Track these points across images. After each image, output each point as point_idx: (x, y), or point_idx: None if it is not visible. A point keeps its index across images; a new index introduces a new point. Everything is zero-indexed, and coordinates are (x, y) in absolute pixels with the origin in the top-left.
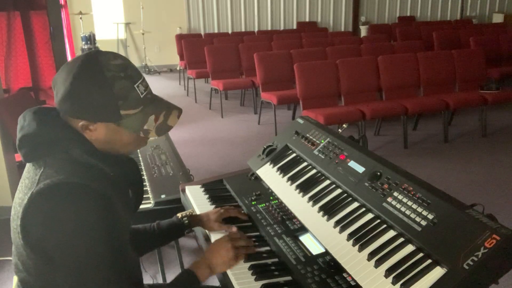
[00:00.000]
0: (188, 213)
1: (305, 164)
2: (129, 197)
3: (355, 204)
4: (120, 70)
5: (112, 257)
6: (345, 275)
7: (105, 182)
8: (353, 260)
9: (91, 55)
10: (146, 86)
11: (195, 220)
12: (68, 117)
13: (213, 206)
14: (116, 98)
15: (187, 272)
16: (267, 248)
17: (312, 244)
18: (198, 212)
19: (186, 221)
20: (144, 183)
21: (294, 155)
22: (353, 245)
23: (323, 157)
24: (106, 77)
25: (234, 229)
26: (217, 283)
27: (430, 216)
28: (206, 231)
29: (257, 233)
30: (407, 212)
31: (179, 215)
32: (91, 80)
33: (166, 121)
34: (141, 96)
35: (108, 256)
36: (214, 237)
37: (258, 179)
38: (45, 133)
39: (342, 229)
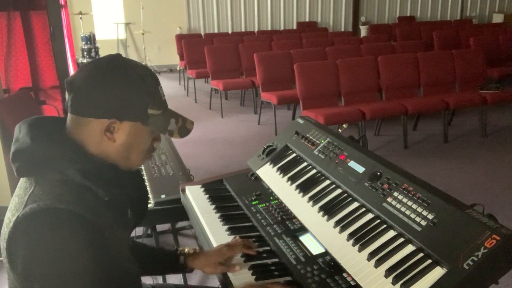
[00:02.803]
0: (188, 251)
1: (305, 164)
2: (127, 217)
3: (355, 204)
4: (145, 69)
5: (102, 285)
6: (345, 275)
7: (97, 207)
8: (353, 260)
9: (115, 56)
10: (163, 90)
11: (194, 261)
12: (81, 121)
13: (213, 206)
14: (145, 96)
15: None
16: (267, 248)
17: (312, 244)
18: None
19: (182, 260)
20: (148, 198)
21: (294, 155)
22: (353, 245)
23: (323, 157)
24: (136, 74)
25: (237, 268)
26: (217, 284)
27: (430, 216)
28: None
29: (257, 233)
30: (407, 212)
31: (179, 249)
32: (122, 76)
33: (185, 124)
34: (163, 98)
35: (97, 285)
36: (235, 278)
37: (258, 179)
38: (39, 150)
39: (342, 229)
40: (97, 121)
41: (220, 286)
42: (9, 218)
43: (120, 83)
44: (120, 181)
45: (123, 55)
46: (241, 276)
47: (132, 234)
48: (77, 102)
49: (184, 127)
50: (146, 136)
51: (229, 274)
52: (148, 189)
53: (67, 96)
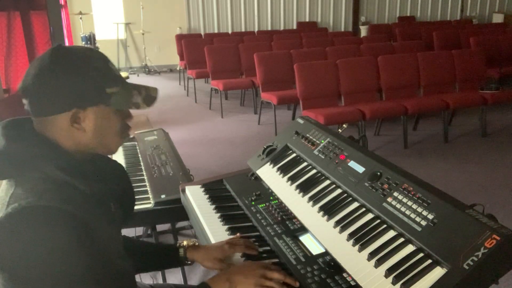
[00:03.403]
0: (187, 243)
1: (305, 164)
2: (111, 211)
3: (355, 204)
4: (89, 50)
5: (93, 278)
6: (345, 275)
7: (79, 201)
8: (353, 260)
9: (55, 47)
10: (114, 65)
11: (193, 253)
12: (47, 121)
13: (213, 206)
14: (98, 77)
15: (203, 285)
16: (267, 248)
17: (312, 244)
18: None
19: (182, 252)
20: (133, 191)
21: (294, 155)
22: (353, 245)
23: (323, 157)
24: (81, 59)
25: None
26: None
27: (430, 216)
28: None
29: (257, 233)
30: (407, 212)
31: (178, 242)
32: (68, 66)
33: (149, 93)
34: (117, 73)
35: (88, 278)
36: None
37: (258, 179)
38: (15, 150)
39: (342, 229)
40: (60, 117)
41: None
42: None
43: (68, 72)
44: (99, 174)
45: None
46: None
47: (132, 234)
48: (35, 105)
49: (149, 96)
50: (114, 117)
51: None
52: (148, 189)
53: (23, 101)
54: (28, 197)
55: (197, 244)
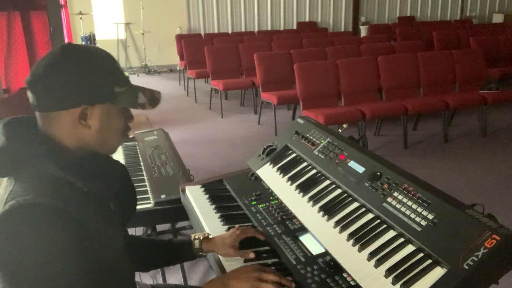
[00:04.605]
0: (200, 236)
1: (305, 164)
2: (110, 210)
3: (355, 204)
4: (100, 50)
5: (89, 278)
6: (345, 275)
7: (78, 200)
8: (353, 260)
9: (66, 45)
10: (121, 67)
11: (209, 244)
12: (51, 117)
13: (213, 206)
14: (108, 76)
15: None
16: (267, 248)
17: (312, 244)
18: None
19: (197, 244)
20: (135, 191)
21: (294, 155)
22: (353, 245)
23: (323, 157)
24: (92, 57)
25: (251, 255)
26: None
27: (430, 216)
28: (219, 256)
29: None
30: (407, 212)
31: (192, 235)
32: (80, 62)
33: (153, 95)
34: (124, 74)
35: (84, 278)
36: (229, 264)
37: (258, 179)
38: (15, 148)
39: (342, 229)
40: (67, 113)
41: None
42: None
43: (80, 69)
44: (99, 173)
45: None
46: None
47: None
48: (43, 99)
49: (154, 97)
50: (118, 116)
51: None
52: (148, 189)
53: (29, 96)
54: (26, 194)
55: (210, 236)
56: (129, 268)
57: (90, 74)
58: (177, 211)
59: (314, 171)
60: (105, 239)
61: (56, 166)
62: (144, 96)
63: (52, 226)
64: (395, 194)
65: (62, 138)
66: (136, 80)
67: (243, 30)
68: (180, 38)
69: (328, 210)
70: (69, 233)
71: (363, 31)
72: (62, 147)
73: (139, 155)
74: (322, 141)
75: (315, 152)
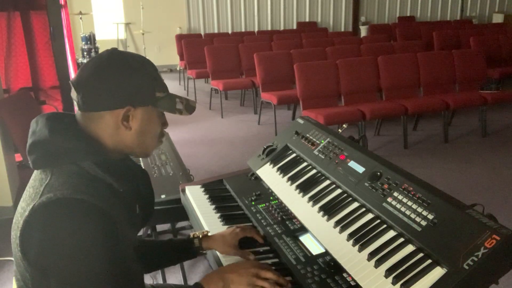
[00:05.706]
0: (200, 234)
1: (305, 164)
2: (136, 213)
3: (355, 204)
4: (142, 57)
5: (112, 277)
6: (345, 275)
7: (112, 199)
8: (353, 260)
9: (112, 49)
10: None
11: (209, 242)
12: (95, 117)
13: (213, 206)
14: (150, 80)
15: (197, 285)
16: (267, 248)
17: (312, 244)
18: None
19: (197, 243)
20: (154, 196)
21: (294, 155)
22: (353, 245)
23: (323, 157)
24: (137, 61)
25: (251, 257)
26: None
27: (430, 216)
28: (218, 253)
29: None
30: (407, 212)
31: (191, 234)
32: (126, 65)
33: (189, 103)
34: (163, 81)
35: (108, 276)
36: (228, 262)
37: (258, 179)
38: (57, 141)
39: (342, 229)
40: (111, 113)
41: None
42: (23, 207)
43: (126, 72)
44: (131, 175)
45: None
46: None
47: None
48: (89, 99)
49: (189, 105)
50: (157, 120)
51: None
52: None
53: (73, 96)
54: (63, 189)
55: (209, 234)
56: (140, 269)
57: (134, 78)
58: (177, 211)
59: (314, 171)
60: (128, 239)
61: (94, 165)
62: (181, 103)
63: (88, 222)
64: (395, 194)
65: (102, 138)
66: None
67: (243, 30)
68: (180, 38)
69: (328, 210)
70: (101, 230)
71: (363, 31)
72: (101, 146)
73: None
74: (322, 141)
75: (315, 152)
